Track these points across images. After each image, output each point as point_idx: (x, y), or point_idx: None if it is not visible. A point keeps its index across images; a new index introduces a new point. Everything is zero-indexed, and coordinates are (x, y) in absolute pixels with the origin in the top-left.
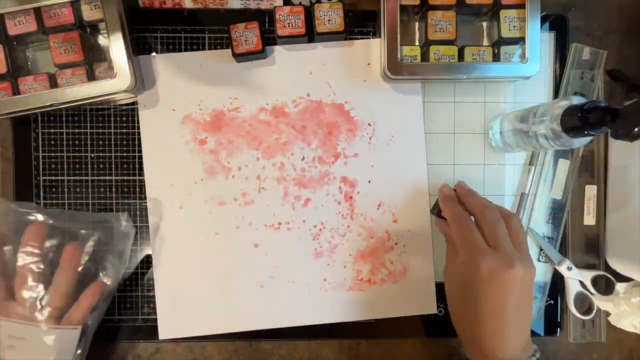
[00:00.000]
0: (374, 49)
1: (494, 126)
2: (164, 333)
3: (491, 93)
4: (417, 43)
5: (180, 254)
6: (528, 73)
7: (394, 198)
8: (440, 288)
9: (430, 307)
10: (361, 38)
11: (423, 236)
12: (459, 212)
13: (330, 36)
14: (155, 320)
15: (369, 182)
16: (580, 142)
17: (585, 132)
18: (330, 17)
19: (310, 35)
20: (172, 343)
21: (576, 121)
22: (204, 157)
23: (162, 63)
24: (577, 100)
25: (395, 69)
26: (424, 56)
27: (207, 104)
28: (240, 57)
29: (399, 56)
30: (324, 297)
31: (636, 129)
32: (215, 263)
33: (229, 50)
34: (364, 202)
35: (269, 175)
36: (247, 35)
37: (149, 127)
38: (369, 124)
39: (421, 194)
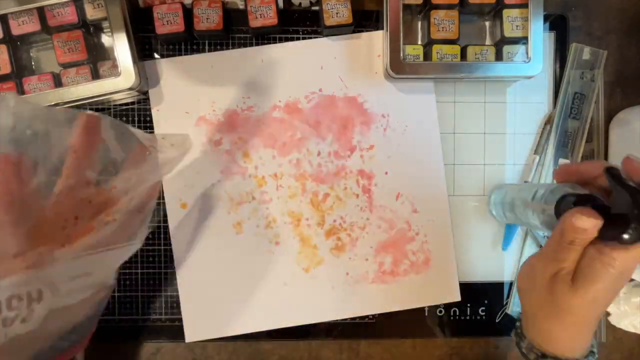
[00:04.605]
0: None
1: (494, 197)
2: (190, 336)
3: (491, 93)
4: (419, 42)
5: (202, 256)
6: (531, 72)
7: (412, 188)
8: None
9: (454, 295)
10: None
11: (443, 225)
12: None
13: (339, 29)
14: (156, 320)
15: (386, 173)
16: None
17: None
18: (338, 9)
19: (283, 25)
20: (172, 343)
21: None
22: (220, 158)
23: (172, 66)
24: (571, 188)
25: (398, 67)
26: (427, 55)
27: (220, 105)
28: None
29: (401, 55)
30: (347, 291)
31: (624, 236)
32: (238, 263)
33: (240, 50)
34: (382, 193)
35: (285, 172)
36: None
37: (163, 130)
38: (383, 115)
39: (439, 182)
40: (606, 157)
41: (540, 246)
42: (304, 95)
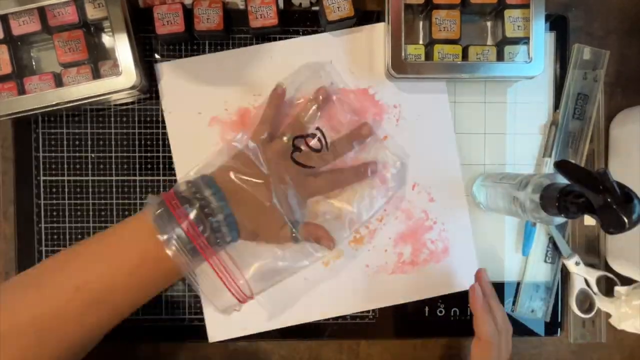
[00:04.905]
0: None
1: (476, 184)
2: (213, 336)
3: (491, 93)
4: (421, 42)
5: None
6: (532, 73)
7: (427, 177)
8: None
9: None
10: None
11: (461, 212)
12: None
13: (341, 23)
14: (156, 320)
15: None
16: (558, 221)
17: (562, 215)
18: (339, 4)
19: (283, 25)
20: (171, 343)
21: (554, 202)
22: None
23: (181, 68)
24: (560, 179)
25: (399, 67)
26: (428, 55)
27: (232, 104)
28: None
29: (403, 55)
30: (368, 283)
31: (611, 229)
32: None
33: (248, 49)
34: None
35: None
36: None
37: (177, 131)
38: (395, 106)
39: (454, 169)
40: (606, 157)
41: (547, 248)
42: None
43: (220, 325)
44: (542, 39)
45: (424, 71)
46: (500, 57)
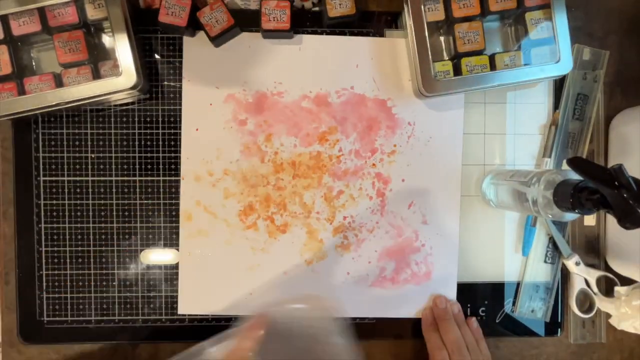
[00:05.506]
0: None
1: (486, 182)
2: (183, 308)
3: (491, 93)
4: (445, 57)
5: (206, 230)
6: (561, 72)
7: (425, 199)
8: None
9: None
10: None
11: (451, 241)
12: (438, 345)
13: (342, 20)
14: (155, 321)
15: (403, 180)
16: (571, 217)
17: (576, 211)
18: (341, 1)
19: (295, 29)
20: (171, 343)
21: (568, 198)
22: (242, 138)
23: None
24: (571, 175)
25: (431, 86)
26: (456, 69)
27: (251, 86)
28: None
29: (432, 73)
30: (345, 291)
31: (628, 225)
32: (241, 244)
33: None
34: (395, 199)
35: (304, 162)
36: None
37: (191, 101)
38: (409, 123)
39: (453, 198)
40: (606, 157)
41: (547, 248)
42: (335, 89)
43: (192, 301)
44: (567, 37)
45: (455, 87)
46: (527, 60)
